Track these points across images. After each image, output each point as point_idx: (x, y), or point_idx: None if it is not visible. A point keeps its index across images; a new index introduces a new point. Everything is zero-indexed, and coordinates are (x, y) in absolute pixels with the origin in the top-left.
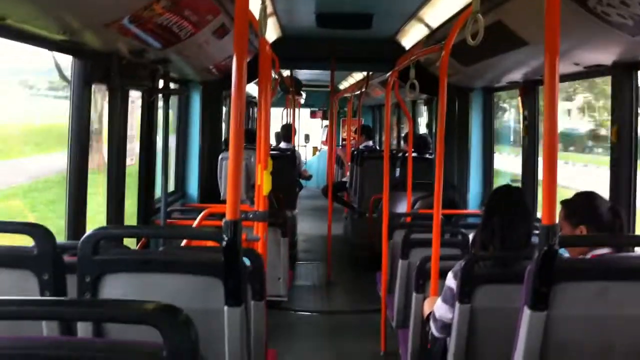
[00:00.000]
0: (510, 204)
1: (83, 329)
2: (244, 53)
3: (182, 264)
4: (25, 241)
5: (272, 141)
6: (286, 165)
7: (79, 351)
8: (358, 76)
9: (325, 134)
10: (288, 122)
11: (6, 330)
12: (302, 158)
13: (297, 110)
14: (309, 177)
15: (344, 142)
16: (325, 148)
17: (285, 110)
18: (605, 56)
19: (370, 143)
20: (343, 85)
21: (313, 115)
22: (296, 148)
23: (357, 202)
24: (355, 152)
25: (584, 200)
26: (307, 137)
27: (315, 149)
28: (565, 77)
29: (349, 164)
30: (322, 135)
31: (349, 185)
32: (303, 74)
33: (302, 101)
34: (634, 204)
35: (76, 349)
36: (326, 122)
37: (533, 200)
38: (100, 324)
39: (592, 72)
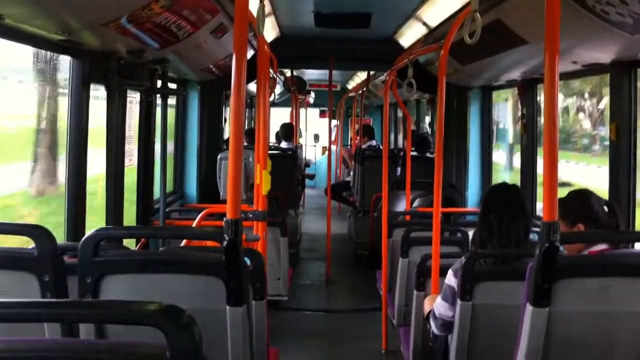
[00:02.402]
0: (507, 201)
1: (85, 331)
2: (243, 52)
3: (183, 264)
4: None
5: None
6: (287, 164)
7: (82, 353)
8: (365, 75)
9: (333, 134)
10: (299, 121)
11: (8, 333)
12: (310, 157)
13: (304, 109)
14: (312, 177)
15: (352, 142)
16: (334, 148)
17: (293, 109)
18: (604, 54)
19: (374, 143)
20: (351, 85)
21: (322, 114)
22: (302, 147)
23: (359, 201)
24: (358, 152)
25: (579, 199)
26: (316, 137)
27: (324, 148)
28: (564, 76)
29: (352, 163)
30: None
31: (352, 184)
32: (311, 74)
33: (312, 100)
34: (634, 201)
35: (79, 350)
36: (334, 122)
37: (532, 198)
38: (103, 325)
39: (591, 70)
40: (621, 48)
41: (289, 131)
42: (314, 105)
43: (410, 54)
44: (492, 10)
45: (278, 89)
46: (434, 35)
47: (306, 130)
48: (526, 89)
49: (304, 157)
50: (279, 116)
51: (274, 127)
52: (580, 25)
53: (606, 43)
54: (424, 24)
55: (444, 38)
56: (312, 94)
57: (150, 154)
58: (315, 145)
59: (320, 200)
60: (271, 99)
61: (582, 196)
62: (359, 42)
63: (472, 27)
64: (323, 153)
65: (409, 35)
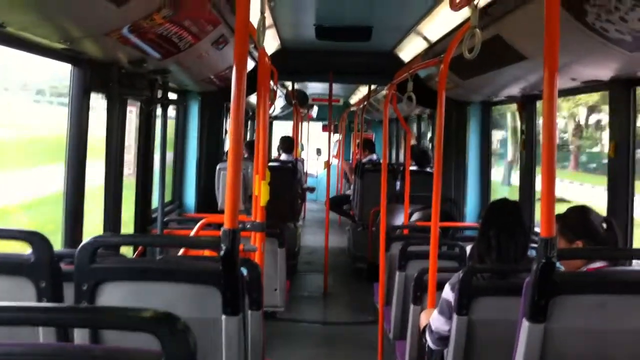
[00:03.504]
0: (507, 217)
1: (80, 337)
2: (244, 64)
3: (180, 273)
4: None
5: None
6: (286, 177)
7: (78, 357)
8: (366, 89)
9: (336, 148)
10: (300, 135)
11: (2, 337)
12: (312, 171)
13: (307, 123)
14: (312, 190)
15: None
16: (336, 162)
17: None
18: (603, 72)
19: (374, 157)
20: (353, 99)
21: (325, 128)
22: (304, 161)
23: (358, 215)
24: (358, 165)
25: (579, 215)
26: (318, 151)
27: (326, 163)
28: (563, 92)
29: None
30: (333, 150)
31: (352, 197)
32: (314, 88)
33: (315, 115)
34: (632, 219)
35: (74, 356)
36: (336, 137)
37: (531, 214)
38: (97, 331)
39: (590, 87)
40: (620, 65)
41: (289, 144)
42: (317, 119)
43: (410, 68)
44: (491, 25)
45: (280, 102)
46: (434, 50)
47: (308, 144)
48: (526, 105)
49: (304, 170)
50: (282, 130)
51: (276, 141)
52: (579, 42)
53: (605, 60)
54: (424, 38)
55: (443, 53)
56: (316, 108)
57: (149, 163)
58: (317, 159)
59: (321, 214)
60: (271, 111)
61: (581, 213)
62: (359, 56)
63: (472, 42)
64: (324, 168)
65: (409, 49)
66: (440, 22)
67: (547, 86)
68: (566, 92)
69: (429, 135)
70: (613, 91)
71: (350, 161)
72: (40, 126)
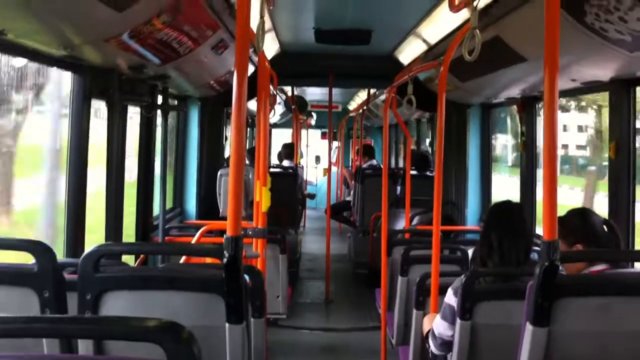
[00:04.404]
0: (509, 220)
1: (84, 348)
2: (245, 68)
3: (183, 281)
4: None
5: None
6: (287, 183)
7: None
8: (365, 96)
9: (335, 155)
10: (299, 141)
11: (8, 348)
12: (311, 179)
13: (306, 130)
14: (312, 197)
15: (353, 163)
16: (335, 169)
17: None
18: (603, 72)
19: (374, 162)
20: (352, 105)
21: (324, 136)
22: (304, 168)
23: (359, 220)
24: (358, 171)
25: (579, 219)
26: (317, 159)
27: (326, 170)
28: (563, 93)
29: (353, 183)
30: (332, 157)
31: (352, 204)
32: (313, 94)
33: (313, 122)
34: (633, 220)
35: None
36: (336, 144)
37: (532, 217)
38: (102, 342)
39: (590, 88)
40: (620, 66)
41: (290, 150)
42: (316, 126)
43: (410, 70)
44: (491, 27)
45: (279, 108)
46: (433, 52)
47: (307, 152)
48: (526, 106)
49: (304, 177)
50: (281, 138)
51: (275, 149)
52: (579, 42)
53: (605, 61)
54: (424, 40)
55: (443, 55)
56: (314, 116)
57: (150, 170)
58: (316, 167)
59: (321, 221)
60: (271, 116)
61: (583, 215)
62: (359, 59)
63: (472, 44)
64: (324, 175)
65: (409, 52)
66: (440, 24)
67: (547, 87)
68: (566, 93)
69: (428, 139)
70: (613, 91)
71: (350, 168)
72: None
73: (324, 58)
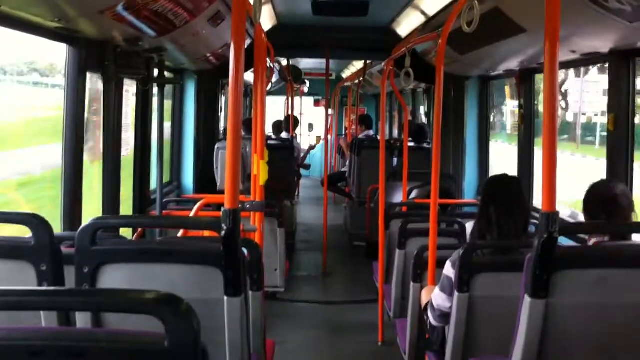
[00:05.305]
0: (506, 193)
1: (82, 320)
2: (242, 41)
3: (181, 254)
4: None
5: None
6: (284, 155)
7: (81, 342)
8: (359, 64)
9: (328, 124)
10: (293, 110)
11: (5, 321)
12: (305, 146)
13: (299, 98)
14: (307, 167)
15: (347, 132)
16: (330, 137)
17: (288, 98)
18: (603, 43)
19: (371, 132)
20: (346, 73)
21: (317, 103)
22: (298, 138)
23: (356, 192)
24: (355, 142)
25: (595, 193)
26: (310, 126)
27: (319, 138)
28: (562, 65)
29: (349, 153)
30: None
31: (348, 175)
32: (306, 63)
33: (306, 90)
34: (631, 191)
35: (77, 339)
36: (329, 111)
37: (529, 189)
38: (99, 315)
39: (589, 59)
40: (620, 36)
41: (287, 124)
42: (309, 94)
43: (408, 43)
44: None
45: (274, 78)
46: (431, 24)
47: (301, 119)
48: (524, 79)
49: (300, 147)
50: (273, 105)
51: (269, 117)
52: (579, 13)
53: (605, 32)
54: (422, 12)
55: (442, 27)
56: (307, 83)
57: (147, 144)
58: (309, 135)
59: (315, 190)
60: (268, 88)
61: (598, 188)
62: (356, 31)
63: (471, 15)
64: (317, 142)
65: (407, 24)
66: None
67: (548, 58)
68: (566, 65)
69: (423, 109)
70: (612, 63)
71: (344, 136)
72: None
73: (321, 30)
